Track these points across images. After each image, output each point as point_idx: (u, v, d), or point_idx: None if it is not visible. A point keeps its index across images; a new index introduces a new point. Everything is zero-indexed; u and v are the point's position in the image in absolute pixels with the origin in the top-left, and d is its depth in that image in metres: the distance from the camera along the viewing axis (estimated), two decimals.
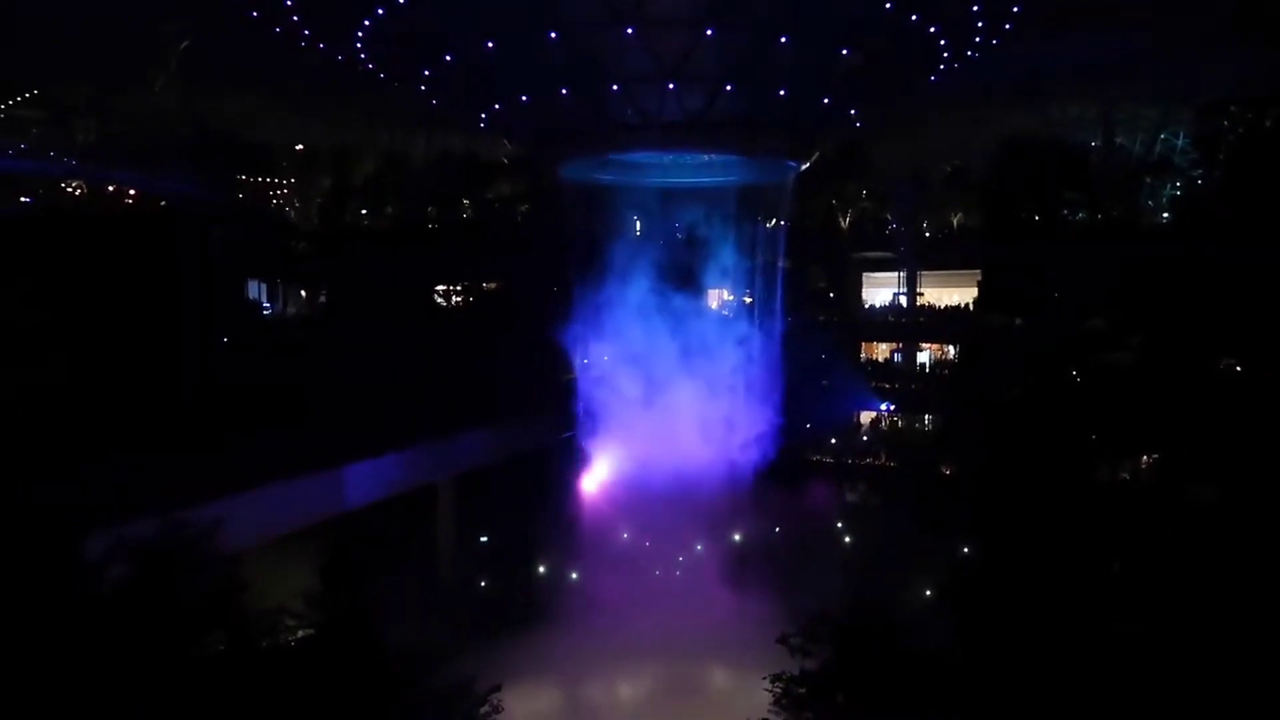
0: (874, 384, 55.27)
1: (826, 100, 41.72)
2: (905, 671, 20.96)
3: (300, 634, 21.98)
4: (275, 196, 69.38)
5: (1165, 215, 55.91)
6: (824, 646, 22.61)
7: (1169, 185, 57.21)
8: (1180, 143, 60.69)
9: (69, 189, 61.87)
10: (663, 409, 46.54)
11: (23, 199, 58.83)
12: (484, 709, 23.46)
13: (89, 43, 52.25)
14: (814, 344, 53.87)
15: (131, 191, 61.08)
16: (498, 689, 24.17)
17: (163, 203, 58.09)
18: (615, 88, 39.03)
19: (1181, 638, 19.23)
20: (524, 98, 41.14)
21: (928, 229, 63.54)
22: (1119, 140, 63.85)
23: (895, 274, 61.09)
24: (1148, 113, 61.82)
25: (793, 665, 22.97)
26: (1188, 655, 18.66)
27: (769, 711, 22.88)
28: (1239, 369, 38.57)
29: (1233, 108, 37.97)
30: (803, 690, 22.37)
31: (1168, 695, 18.03)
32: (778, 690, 22.84)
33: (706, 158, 46.64)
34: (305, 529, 33.02)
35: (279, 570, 27.28)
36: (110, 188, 61.71)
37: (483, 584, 44.60)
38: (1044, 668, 19.82)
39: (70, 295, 39.39)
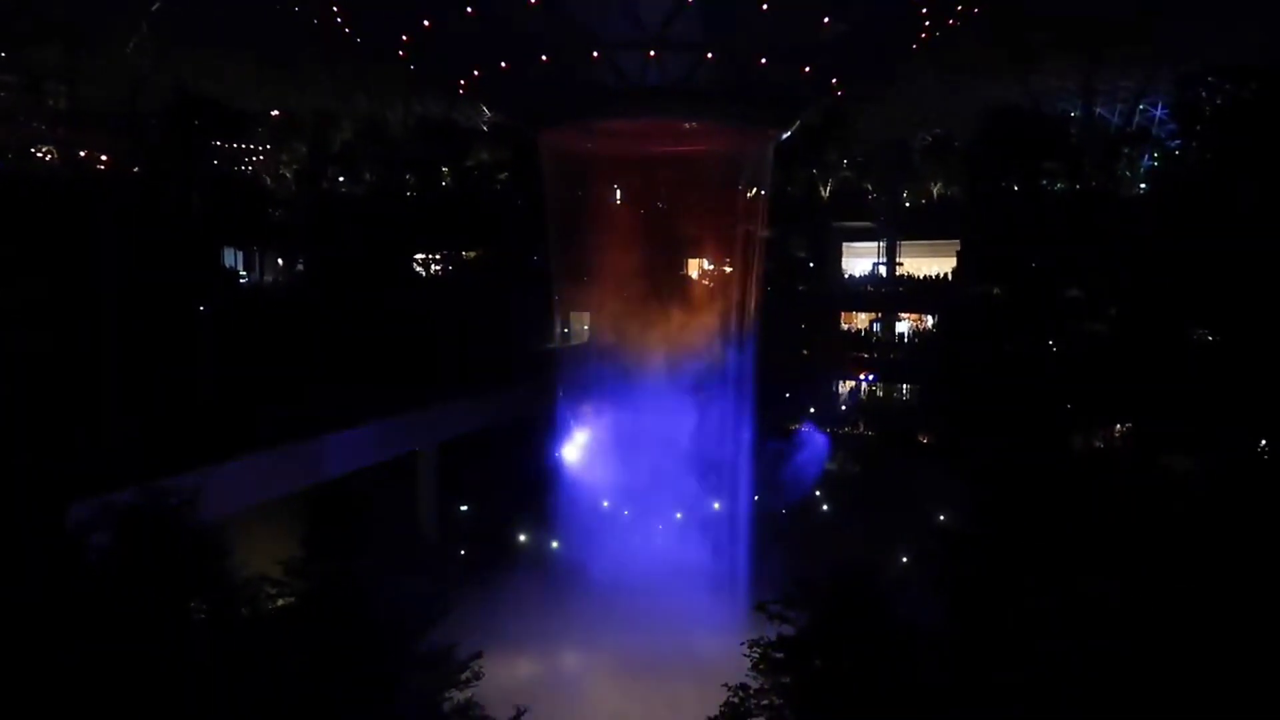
0: (853, 354, 55.45)
1: (808, 69, 41.46)
2: (883, 637, 21.27)
3: (281, 602, 22.10)
4: (251, 163, 68.39)
5: (1143, 186, 56.15)
6: (802, 612, 22.91)
7: (1147, 156, 57.38)
8: (1158, 113, 60.85)
9: (40, 154, 60.75)
10: (641, 378, 46.58)
11: None
12: (464, 674, 23.74)
13: (59, 4, 51.22)
14: (793, 313, 53.99)
15: (104, 157, 60.06)
16: (479, 655, 24.45)
17: (136, 169, 57.13)
18: (595, 55, 38.63)
19: (1156, 604, 19.62)
20: (503, 65, 40.66)
21: (908, 199, 63.49)
22: (1098, 110, 63.88)
23: (875, 244, 61.19)
24: (1127, 83, 61.83)
25: (770, 631, 23.28)
26: (1162, 621, 19.04)
27: (746, 676, 23.19)
28: (1211, 339, 39.00)
29: (1210, 78, 38.11)
30: (780, 655, 22.68)
31: (1144, 662, 18.41)
32: (755, 655, 23.15)
33: (688, 125, 46.28)
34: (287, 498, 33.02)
35: (261, 539, 27.31)
36: (82, 153, 60.63)
37: (463, 552, 44.72)
38: (1019, 633, 20.18)
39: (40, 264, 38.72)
